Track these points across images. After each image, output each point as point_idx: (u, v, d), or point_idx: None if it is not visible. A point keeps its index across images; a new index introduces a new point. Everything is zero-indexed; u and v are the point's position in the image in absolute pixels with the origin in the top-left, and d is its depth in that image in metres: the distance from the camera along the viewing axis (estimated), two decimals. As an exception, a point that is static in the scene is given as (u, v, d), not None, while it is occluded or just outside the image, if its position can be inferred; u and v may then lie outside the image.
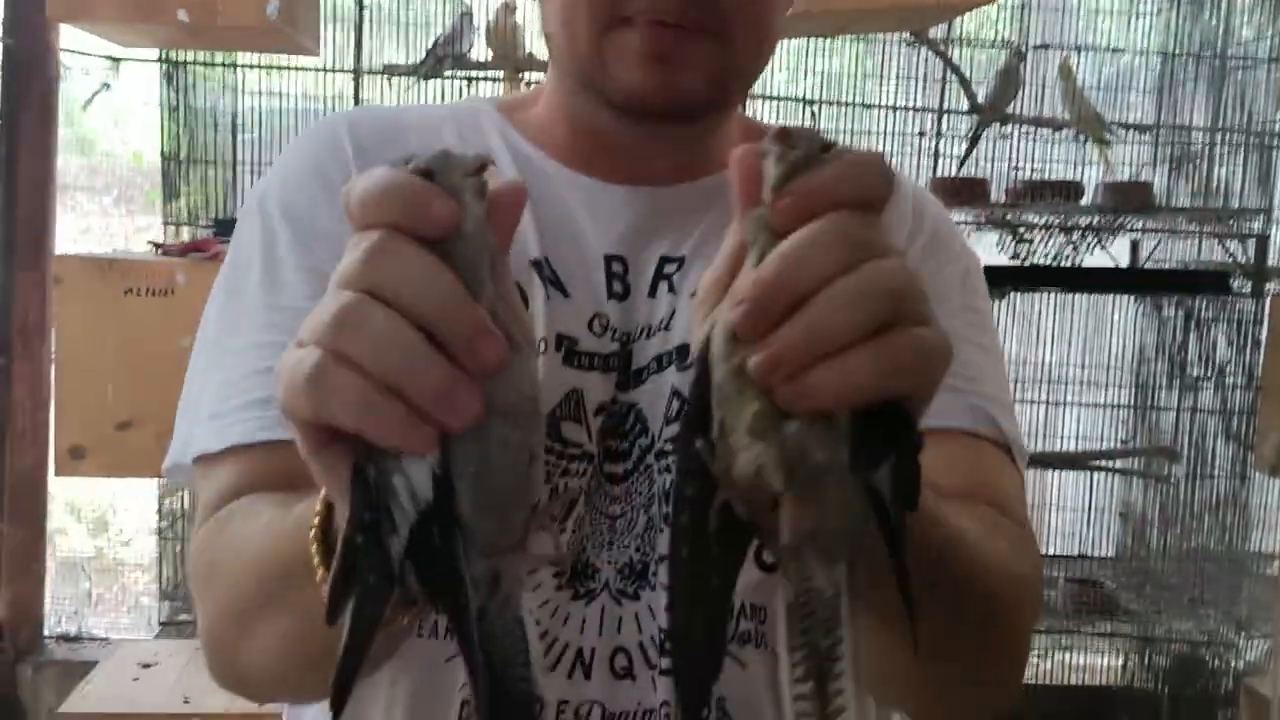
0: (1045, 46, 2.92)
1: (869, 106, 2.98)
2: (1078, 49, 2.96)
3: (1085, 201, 2.72)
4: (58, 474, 2.44)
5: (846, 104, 2.99)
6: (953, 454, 0.81)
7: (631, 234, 0.86)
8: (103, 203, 4.13)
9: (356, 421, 0.48)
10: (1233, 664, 2.82)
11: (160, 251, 2.51)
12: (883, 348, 0.48)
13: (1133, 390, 2.98)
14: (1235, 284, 2.70)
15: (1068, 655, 2.90)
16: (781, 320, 0.48)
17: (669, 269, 0.86)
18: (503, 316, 0.50)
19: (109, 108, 3.62)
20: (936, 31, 2.84)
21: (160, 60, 2.84)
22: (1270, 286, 2.72)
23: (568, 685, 0.82)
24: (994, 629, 0.75)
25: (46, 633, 3.01)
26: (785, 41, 2.77)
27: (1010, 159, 2.81)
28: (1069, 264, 2.74)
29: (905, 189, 0.94)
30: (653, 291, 0.85)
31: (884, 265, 0.49)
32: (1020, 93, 2.81)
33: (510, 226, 0.53)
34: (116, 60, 2.82)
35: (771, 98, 2.99)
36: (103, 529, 4.07)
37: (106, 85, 2.81)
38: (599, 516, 0.83)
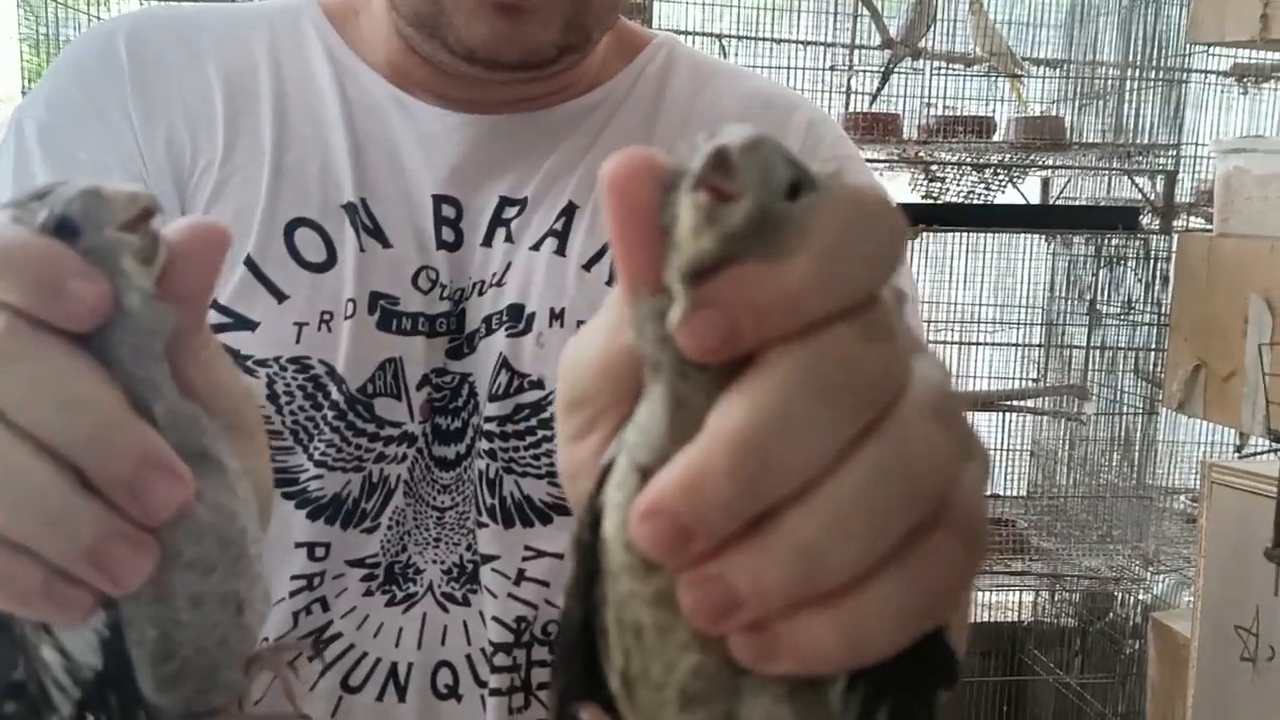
0: (957, -20, 2.87)
1: (780, 41, 2.90)
2: (989, -18, 2.91)
3: (997, 138, 2.69)
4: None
5: (758, 39, 2.91)
6: None
7: (467, 170, 0.73)
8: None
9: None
10: (1140, 598, 2.85)
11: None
12: (910, 580, 0.29)
13: (1044, 329, 2.98)
14: (1145, 221, 2.69)
15: (981, 595, 2.91)
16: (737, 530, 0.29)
17: (509, 213, 0.73)
18: (190, 426, 0.37)
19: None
20: (848, -36, 2.77)
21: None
22: (1179, 223, 2.71)
23: (376, 709, 0.71)
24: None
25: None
26: (693, -26, 2.69)
27: (922, 95, 2.76)
28: (981, 202, 2.71)
29: (801, 111, 0.84)
30: (488, 240, 0.73)
31: (910, 431, 0.29)
32: (932, 28, 2.76)
33: (202, 290, 0.38)
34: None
35: (683, 32, 2.89)
36: None
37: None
38: (424, 509, 0.72)
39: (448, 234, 0.73)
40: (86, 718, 0.37)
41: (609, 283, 0.74)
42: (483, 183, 0.74)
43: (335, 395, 0.70)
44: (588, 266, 0.74)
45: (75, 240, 0.35)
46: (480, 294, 0.73)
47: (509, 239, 0.73)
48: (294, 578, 0.70)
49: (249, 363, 0.69)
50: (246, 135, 0.73)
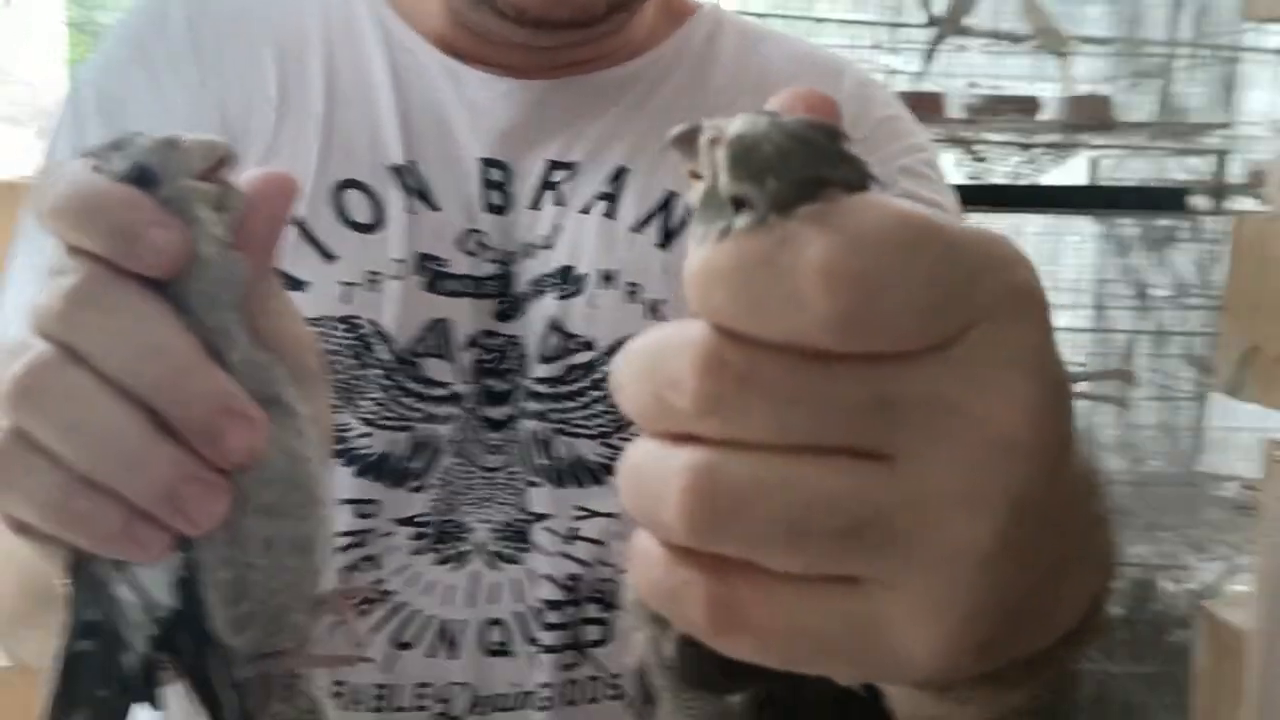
0: (1002, -43, 2.82)
1: (820, 20, 2.86)
2: (1035, -41, 2.85)
3: (1043, 117, 2.64)
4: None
5: (795, 18, 2.88)
6: None
7: (515, 135, 0.75)
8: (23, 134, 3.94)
9: (51, 526, 0.37)
10: (1189, 587, 2.81)
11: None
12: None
13: (1092, 312, 2.93)
14: (1196, 201, 2.64)
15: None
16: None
17: (557, 176, 0.75)
18: (262, 373, 0.38)
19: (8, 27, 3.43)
20: (890, -59, 2.73)
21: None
22: (1230, 204, 2.66)
23: (427, 665, 0.72)
24: None
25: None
26: (733, -49, 2.65)
27: (966, 74, 2.71)
28: (1026, 183, 2.67)
29: (850, 74, 0.83)
30: (536, 203, 0.74)
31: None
32: (977, 4, 2.71)
33: (270, 239, 0.40)
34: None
35: (720, 13, 2.86)
36: None
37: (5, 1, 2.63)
38: (473, 469, 0.73)
39: (496, 197, 0.74)
40: (159, 656, 0.38)
41: (660, 245, 0.75)
42: (531, 147, 0.75)
43: (383, 355, 0.72)
44: (637, 229, 0.75)
45: (153, 189, 0.36)
46: (529, 257, 0.74)
47: (558, 202, 0.75)
48: (341, 534, 0.71)
49: None
50: (297, 104, 0.75)
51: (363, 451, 0.71)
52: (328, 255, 0.71)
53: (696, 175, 0.30)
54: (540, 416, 0.72)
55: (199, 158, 0.37)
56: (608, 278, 0.73)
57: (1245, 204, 2.66)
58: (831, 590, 0.27)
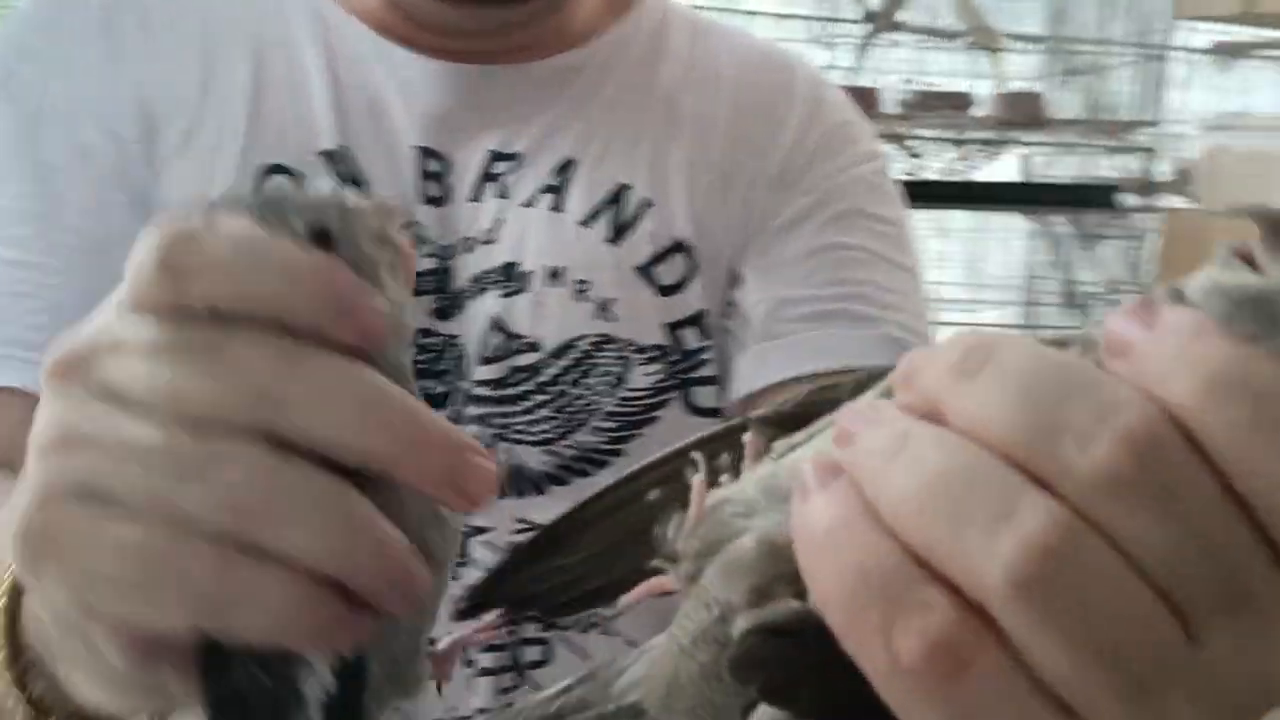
0: (935, -47, 2.82)
1: (753, 14, 2.85)
2: (968, -44, 2.86)
3: (976, 114, 2.65)
4: None
5: (729, 11, 2.86)
6: None
7: (451, 121, 0.70)
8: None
9: (274, 631, 0.32)
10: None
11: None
12: None
13: (1023, 309, 2.95)
14: (1125, 198, 2.66)
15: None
16: None
17: (499, 168, 0.70)
18: None
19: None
20: (826, -65, 2.72)
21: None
22: (1160, 200, 2.69)
23: None
24: None
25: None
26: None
27: (901, 69, 2.71)
28: (960, 179, 2.67)
29: (801, 71, 0.80)
30: (476, 195, 0.70)
31: None
32: (911, 0, 2.71)
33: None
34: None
35: (653, 5, 2.83)
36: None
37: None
38: None
39: (433, 189, 0.70)
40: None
41: (610, 240, 0.70)
42: (469, 136, 0.71)
43: None
44: (586, 223, 0.70)
45: (333, 251, 0.34)
46: (468, 251, 0.69)
47: (501, 194, 0.71)
48: None
49: None
50: (222, 85, 0.71)
51: None
52: None
53: (1247, 260, 0.28)
54: (480, 421, 0.68)
55: (378, 219, 0.35)
56: (554, 274, 0.69)
57: (1173, 201, 2.69)
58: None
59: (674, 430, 0.69)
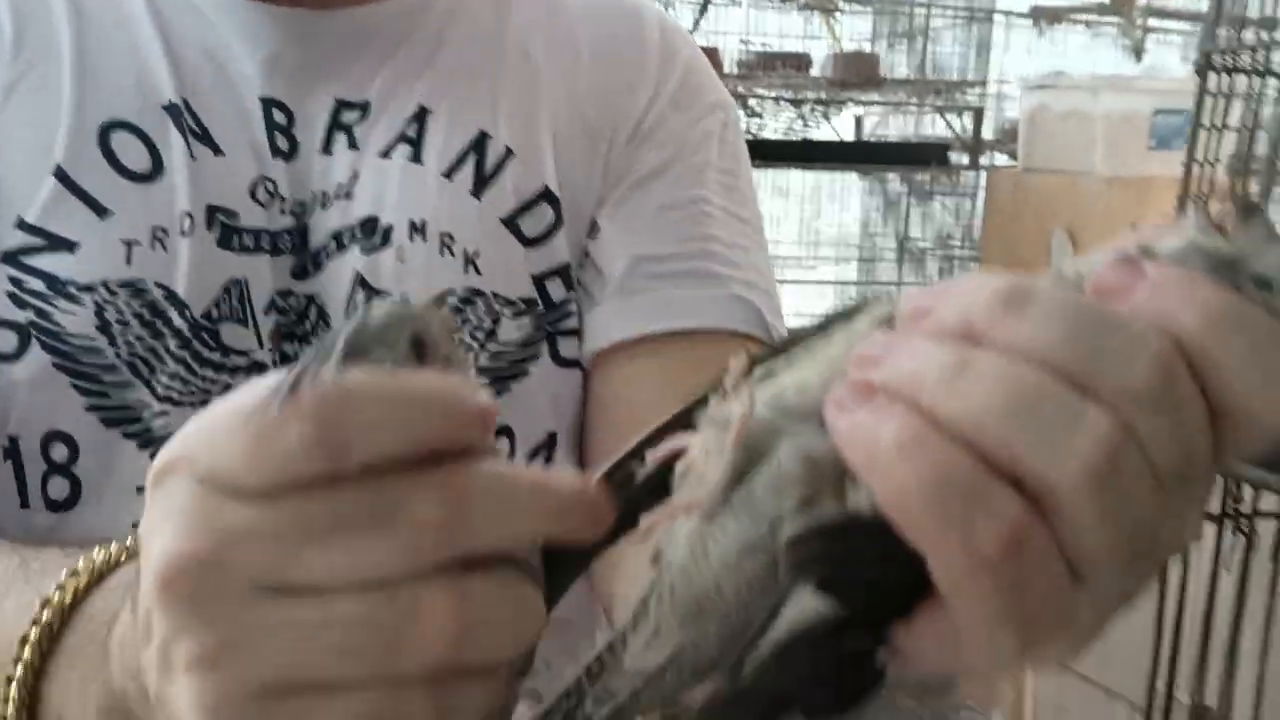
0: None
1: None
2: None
3: (814, 74, 2.70)
4: None
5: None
6: (709, 363, 0.69)
7: (290, 69, 0.67)
8: None
9: None
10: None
11: None
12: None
13: (860, 265, 3.03)
14: (955, 157, 2.76)
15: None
16: None
17: (348, 117, 0.68)
18: None
19: None
20: (663, -105, 2.72)
21: None
22: (987, 159, 2.79)
23: None
24: None
25: None
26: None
27: (740, 30, 2.75)
28: (798, 139, 2.73)
29: (650, 19, 0.80)
30: (327, 147, 0.67)
31: None
32: (748, -39, 2.74)
33: None
34: None
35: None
36: None
37: None
38: None
39: (281, 141, 0.66)
40: None
41: (473, 192, 0.68)
42: (312, 84, 0.68)
43: (178, 323, 0.63)
44: (449, 174, 0.68)
45: (427, 357, 0.33)
46: (324, 207, 0.67)
47: (353, 145, 0.67)
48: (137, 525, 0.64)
49: (70, 289, 0.61)
50: (38, 43, 0.65)
51: (160, 432, 0.64)
52: (100, 209, 0.63)
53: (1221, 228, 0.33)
54: None
55: (447, 316, 0.35)
56: (418, 229, 0.67)
57: (999, 159, 2.80)
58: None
59: (543, 383, 0.69)
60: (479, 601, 0.32)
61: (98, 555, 0.42)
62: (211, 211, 0.64)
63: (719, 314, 0.68)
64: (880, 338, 0.33)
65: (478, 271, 0.67)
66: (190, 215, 0.63)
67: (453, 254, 0.67)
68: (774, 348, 0.36)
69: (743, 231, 0.74)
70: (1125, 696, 1.28)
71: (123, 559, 0.42)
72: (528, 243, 0.69)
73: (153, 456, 0.65)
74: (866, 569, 0.32)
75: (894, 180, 2.88)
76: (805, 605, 0.32)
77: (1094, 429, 0.30)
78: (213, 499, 0.31)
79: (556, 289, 0.70)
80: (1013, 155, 2.68)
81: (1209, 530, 1.02)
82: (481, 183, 0.69)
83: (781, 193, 2.95)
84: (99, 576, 0.42)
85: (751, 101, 2.64)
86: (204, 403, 0.62)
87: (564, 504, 0.33)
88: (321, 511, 0.31)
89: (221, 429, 0.32)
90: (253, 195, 0.65)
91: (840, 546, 0.32)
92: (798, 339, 0.36)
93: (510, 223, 0.69)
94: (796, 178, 2.91)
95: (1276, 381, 0.31)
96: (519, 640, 0.33)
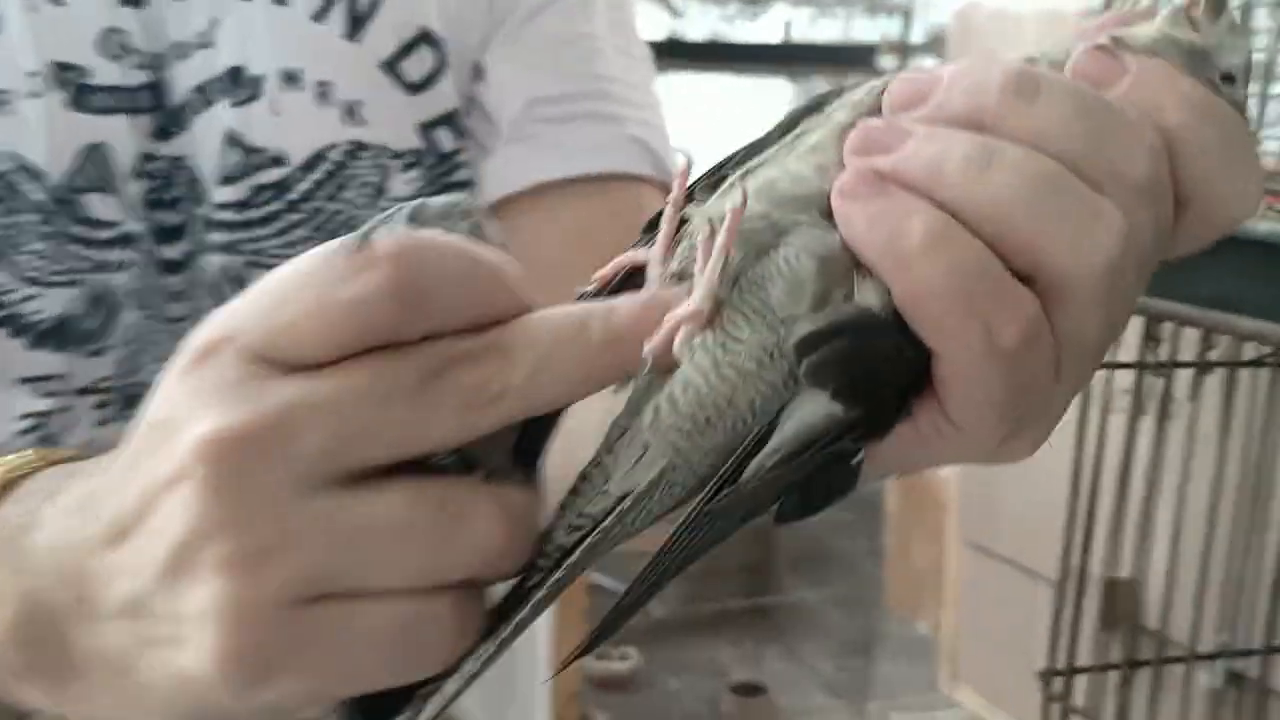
0: None
1: None
2: None
3: (739, -27, 2.65)
4: None
5: None
6: (614, 208, 0.65)
7: None
8: None
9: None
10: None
11: None
12: None
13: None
14: (883, 61, 2.73)
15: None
16: None
17: None
18: None
19: None
20: None
21: None
22: (915, 63, 2.77)
23: None
24: None
25: None
26: None
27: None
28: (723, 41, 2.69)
29: None
30: None
31: None
32: None
33: None
34: None
35: None
36: None
37: None
38: (156, 322, 0.63)
39: None
40: None
41: (347, 36, 0.63)
42: None
43: (36, 195, 0.59)
44: (319, 17, 0.63)
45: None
46: (184, 58, 0.62)
47: None
48: (24, 416, 0.61)
49: None
50: None
51: (32, 318, 0.60)
52: None
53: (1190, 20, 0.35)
54: (227, 249, 0.62)
55: (496, 223, 0.34)
56: (290, 77, 0.62)
57: (927, 63, 2.77)
58: None
59: None
60: (518, 512, 0.32)
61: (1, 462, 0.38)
62: (59, 69, 0.59)
63: (619, 157, 0.65)
64: (878, 123, 0.32)
65: (360, 122, 0.63)
66: (37, 74, 0.59)
67: (331, 104, 0.63)
68: (732, 156, 0.35)
69: (636, 69, 0.70)
70: (1045, 576, 1.27)
71: (41, 467, 0.38)
72: (410, 89, 0.65)
73: (29, 346, 0.60)
74: (878, 368, 0.31)
75: (821, 85, 2.84)
76: (815, 409, 0.31)
77: (1112, 221, 0.31)
78: (264, 372, 0.30)
79: (446, 138, 0.66)
80: (942, 58, 2.65)
81: (1128, 380, 0.99)
82: (356, 24, 0.64)
83: (712, 93, 2.91)
84: (4, 486, 0.38)
85: (674, 1, 2.57)
86: (72, 283, 0.59)
87: (611, 361, 0.32)
88: (382, 380, 0.30)
89: (274, 295, 0.31)
90: (101, 49, 0.60)
91: (855, 346, 0.31)
92: (767, 141, 0.35)
93: (390, 67, 0.64)
94: (729, 80, 2.87)
95: (1241, 173, 0.33)
96: (529, 550, 0.32)
